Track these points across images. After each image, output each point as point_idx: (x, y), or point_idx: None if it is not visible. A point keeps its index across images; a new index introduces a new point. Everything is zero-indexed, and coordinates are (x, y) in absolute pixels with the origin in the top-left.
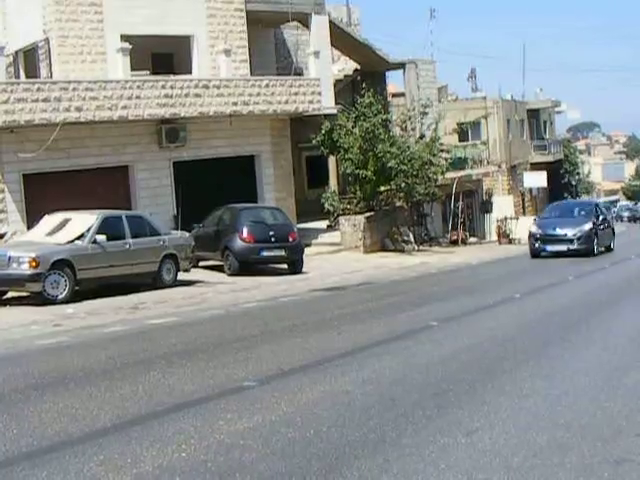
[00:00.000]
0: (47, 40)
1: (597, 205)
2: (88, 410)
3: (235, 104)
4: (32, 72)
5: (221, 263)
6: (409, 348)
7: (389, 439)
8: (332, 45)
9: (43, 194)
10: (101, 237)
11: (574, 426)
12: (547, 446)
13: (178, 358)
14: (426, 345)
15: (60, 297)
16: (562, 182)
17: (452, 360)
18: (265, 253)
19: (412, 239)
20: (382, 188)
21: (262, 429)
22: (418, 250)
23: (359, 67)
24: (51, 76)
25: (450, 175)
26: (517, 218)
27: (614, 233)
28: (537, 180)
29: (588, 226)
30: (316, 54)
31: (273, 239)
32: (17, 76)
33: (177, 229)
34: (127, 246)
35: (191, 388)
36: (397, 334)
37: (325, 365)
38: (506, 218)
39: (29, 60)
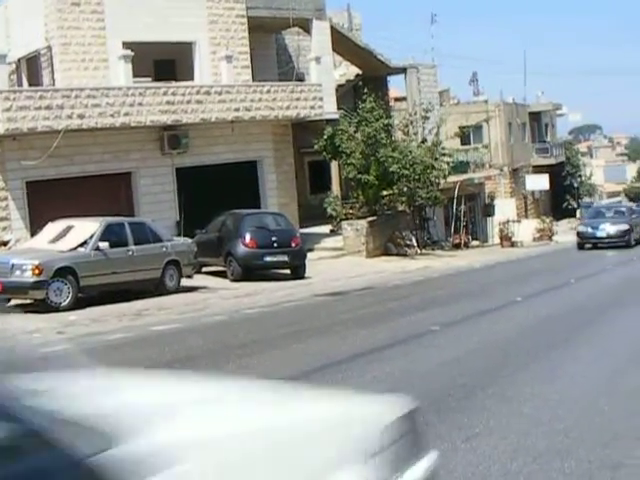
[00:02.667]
0: (49, 48)
1: (631, 208)
2: None
3: (237, 110)
4: (35, 80)
5: (224, 269)
6: (410, 353)
7: None
8: (333, 50)
9: (46, 201)
10: (104, 244)
11: (573, 431)
12: (546, 451)
13: (180, 365)
14: (427, 350)
15: (63, 304)
16: (564, 184)
17: (453, 365)
18: (268, 258)
19: (415, 243)
20: (384, 192)
21: None
22: (421, 254)
23: (361, 72)
24: (54, 83)
25: (452, 179)
26: (519, 221)
27: None
28: (539, 183)
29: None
30: (317, 60)
31: (276, 244)
32: (20, 84)
33: (180, 235)
34: (130, 253)
35: None
36: (399, 339)
37: (326, 371)
38: (508, 221)
39: (32, 68)
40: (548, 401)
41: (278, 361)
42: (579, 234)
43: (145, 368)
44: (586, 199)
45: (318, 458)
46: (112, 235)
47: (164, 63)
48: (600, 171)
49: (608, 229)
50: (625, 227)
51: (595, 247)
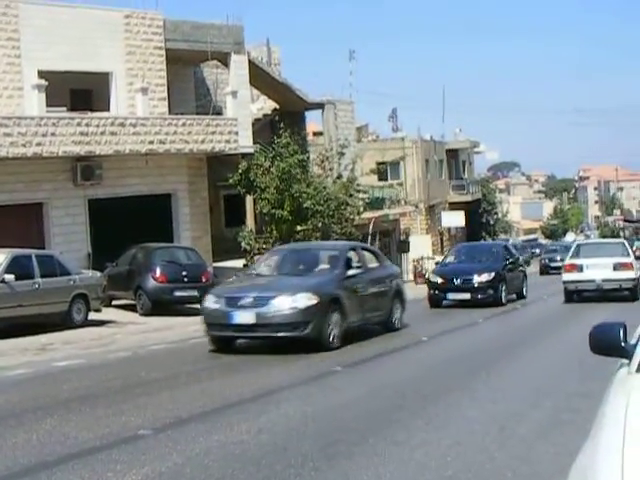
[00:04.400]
0: None
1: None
2: None
3: (151, 142)
4: None
5: (134, 302)
6: (309, 395)
7: None
8: (251, 84)
9: None
10: (9, 276)
11: (461, 478)
12: None
13: (78, 404)
14: (326, 392)
15: None
16: (480, 221)
17: (350, 408)
18: (178, 293)
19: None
20: (298, 228)
21: None
22: None
23: (278, 106)
24: None
25: (367, 215)
26: (433, 258)
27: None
28: (455, 220)
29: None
30: (234, 94)
31: (186, 279)
32: None
33: (90, 268)
34: (36, 286)
35: (85, 436)
36: (301, 379)
37: (224, 412)
38: (422, 258)
39: None
40: (439, 447)
41: (176, 401)
42: (430, 286)
43: (41, 407)
44: (502, 236)
45: None
46: (18, 267)
47: (81, 93)
48: (517, 208)
49: (475, 279)
50: (490, 276)
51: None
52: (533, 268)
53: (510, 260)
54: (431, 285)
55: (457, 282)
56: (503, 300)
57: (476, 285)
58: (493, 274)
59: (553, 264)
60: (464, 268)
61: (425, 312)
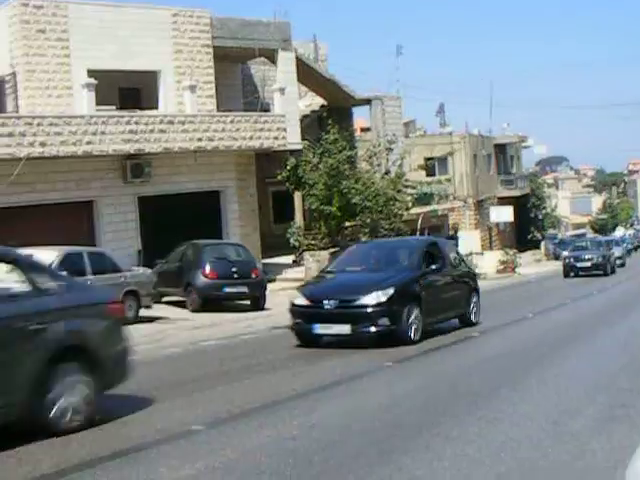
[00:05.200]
0: (14, 74)
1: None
2: (30, 453)
3: (200, 140)
4: None
5: (184, 299)
6: (361, 390)
7: None
8: (299, 81)
9: (7, 229)
10: (62, 274)
11: (514, 475)
12: None
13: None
14: (378, 387)
15: None
16: (529, 216)
17: (401, 403)
18: (227, 289)
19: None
20: (347, 224)
21: (203, 477)
22: None
23: (326, 103)
24: (17, 110)
25: (416, 210)
26: (482, 253)
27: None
28: (504, 214)
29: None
30: (282, 90)
31: (236, 275)
32: None
33: (140, 265)
34: (88, 282)
35: (139, 432)
36: (351, 375)
37: (275, 408)
38: (471, 253)
39: None
40: (492, 442)
41: (228, 397)
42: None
43: None
44: (551, 231)
45: None
46: (70, 264)
47: (129, 91)
48: (566, 203)
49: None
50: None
51: None
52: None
53: (435, 267)
54: (294, 310)
55: (329, 306)
56: (411, 334)
57: (361, 311)
58: (391, 291)
59: (580, 264)
60: (348, 282)
61: None
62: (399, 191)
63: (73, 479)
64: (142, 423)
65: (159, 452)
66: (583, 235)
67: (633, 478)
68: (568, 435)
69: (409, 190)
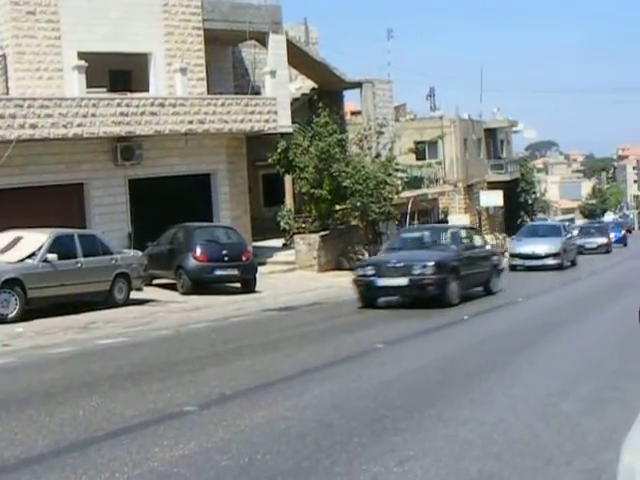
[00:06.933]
0: (4, 56)
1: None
2: (26, 435)
3: (191, 122)
4: None
5: (174, 282)
6: (352, 372)
7: (321, 468)
8: (289, 64)
9: None
10: (52, 256)
11: (506, 455)
12: (477, 476)
13: (122, 381)
14: (370, 369)
15: (10, 316)
16: (519, 201)
17: (394, 385)
18: (218, 272)
19: (367, 257)
20: (337, 207)
21: (197, 457)
22: None
23: (316, 86)
24: (7, 92)
25: (406, 194)
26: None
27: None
28: (493, 199)
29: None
30: (272, 73)
31: (226, 258)
32: None
33: (130, 247)
34: (79, 265)
35: (131, 413)
36: (343, 357)
37: (268, 389)
38: None
39: None
40: (484, 424)
41: (220, 378)
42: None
43: (86, 384)
44: (540, 215)
45: None
46: (61, 247)
47: (120, 74)
48: (555, 187)
49: None
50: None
51: None
52: None
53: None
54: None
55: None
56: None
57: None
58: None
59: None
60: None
61: None
62: (389, 175)
63: (67, 460)
64: (134, 404)
65: (152, 433)
66: (571, 220)
67: (630, 452)
68: (559, 416)
69: (399, 174)
